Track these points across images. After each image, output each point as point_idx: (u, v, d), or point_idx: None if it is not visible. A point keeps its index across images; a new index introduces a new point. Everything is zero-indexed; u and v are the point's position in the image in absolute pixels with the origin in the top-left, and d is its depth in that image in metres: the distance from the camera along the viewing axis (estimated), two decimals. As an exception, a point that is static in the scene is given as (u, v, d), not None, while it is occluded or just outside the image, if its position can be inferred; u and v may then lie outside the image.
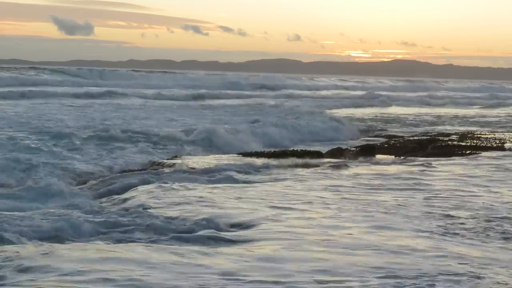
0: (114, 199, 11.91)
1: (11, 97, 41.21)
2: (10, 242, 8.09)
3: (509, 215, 10.15)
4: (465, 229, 9.27)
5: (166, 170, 15.30)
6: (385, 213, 10.21)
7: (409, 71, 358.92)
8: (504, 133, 27.05)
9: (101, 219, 9.58)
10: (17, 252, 7.28)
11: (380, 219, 9.71)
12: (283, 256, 7.51)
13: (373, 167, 16.02)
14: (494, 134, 26.35)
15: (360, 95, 66.58)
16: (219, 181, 13.58)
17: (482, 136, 25.45)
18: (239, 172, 14.72)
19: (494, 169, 15.41)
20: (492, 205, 10.96)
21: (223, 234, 8.77)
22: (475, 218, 9.92)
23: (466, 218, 9.91)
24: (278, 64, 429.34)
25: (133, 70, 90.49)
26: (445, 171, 15.06)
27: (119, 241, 8.46)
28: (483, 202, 11.17)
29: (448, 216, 10.04)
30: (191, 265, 7.14)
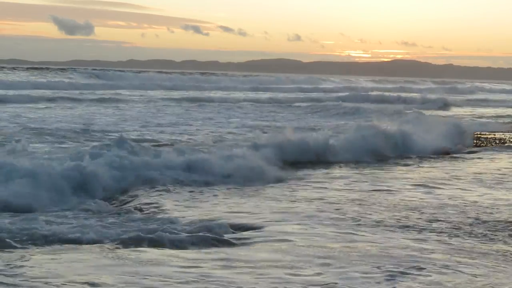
0: (120, 199, 11.87)
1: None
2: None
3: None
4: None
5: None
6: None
7: (409, 71, 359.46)
8: (505, 133, 27.02)
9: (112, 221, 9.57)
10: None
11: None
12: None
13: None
14: (495, 135, 26.32)
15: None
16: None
17: (482, 136, 25.44)
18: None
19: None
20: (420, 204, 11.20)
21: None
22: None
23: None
24: (278, 64, 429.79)
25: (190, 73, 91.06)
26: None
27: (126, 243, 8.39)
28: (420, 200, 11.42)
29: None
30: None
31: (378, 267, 7.27)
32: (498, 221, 10.03)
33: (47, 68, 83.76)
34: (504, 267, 7.55)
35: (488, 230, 9.40)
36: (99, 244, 8.19)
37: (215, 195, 11.91)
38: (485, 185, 13.49)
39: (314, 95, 59.94)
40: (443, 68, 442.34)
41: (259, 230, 9.13)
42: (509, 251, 8.28)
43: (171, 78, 78.08)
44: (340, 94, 61.05)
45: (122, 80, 67.78)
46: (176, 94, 52.73)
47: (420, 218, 10.03)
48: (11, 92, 42.74)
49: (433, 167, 16.32)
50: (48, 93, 45.14)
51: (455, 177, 14.49)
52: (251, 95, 56.36)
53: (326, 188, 12.83)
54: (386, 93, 65.72)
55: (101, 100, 40.21)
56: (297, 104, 44.43)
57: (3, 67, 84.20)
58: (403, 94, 64.89)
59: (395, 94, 64.04)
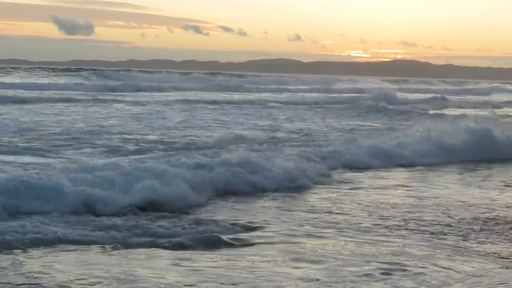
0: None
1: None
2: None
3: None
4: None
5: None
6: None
7: (409, 71, 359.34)
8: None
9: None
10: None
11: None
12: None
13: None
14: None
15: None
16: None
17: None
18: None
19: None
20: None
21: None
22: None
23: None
24: (278, 64, 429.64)
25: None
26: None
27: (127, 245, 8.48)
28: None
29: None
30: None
31: (370, 265, 7.56)
32: (487, 220, 10.36)
33: (59, 69, 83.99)
34: (493, 266, 7.81)
35: (479, 230, 9.71)
36: (99, 245, 8.33)
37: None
38: None
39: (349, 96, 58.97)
40: (443, 68, 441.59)
41: (260, 231, 9.36)
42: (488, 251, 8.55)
43: (181, 78, 78.22)
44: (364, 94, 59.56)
45: (141, 81, 67.37)
46: (190, 94, 52.80)
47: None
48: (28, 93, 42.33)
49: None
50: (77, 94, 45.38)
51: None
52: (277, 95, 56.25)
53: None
54: (421, 94, 63.98)
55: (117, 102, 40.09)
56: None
57: (4, 67, 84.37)
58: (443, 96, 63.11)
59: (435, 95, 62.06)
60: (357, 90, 72.56)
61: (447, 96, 58.72)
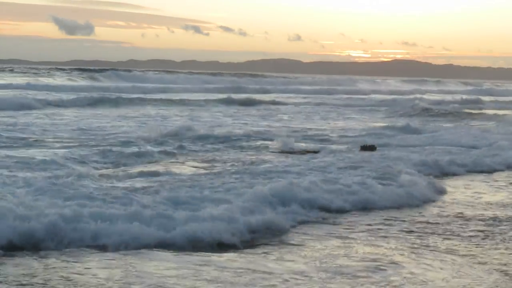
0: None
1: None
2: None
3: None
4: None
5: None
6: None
7: (409, 71, 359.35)
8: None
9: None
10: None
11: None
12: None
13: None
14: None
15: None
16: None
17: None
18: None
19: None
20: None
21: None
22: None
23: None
24: (278, 64, 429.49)
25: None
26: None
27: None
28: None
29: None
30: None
31: (362, 262, 7.79)
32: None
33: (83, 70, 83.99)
34: (474, 264, 8.01)
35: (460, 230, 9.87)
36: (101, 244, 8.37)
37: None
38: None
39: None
40: (443, 68, 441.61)
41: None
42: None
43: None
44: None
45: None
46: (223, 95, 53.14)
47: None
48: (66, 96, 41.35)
49: None
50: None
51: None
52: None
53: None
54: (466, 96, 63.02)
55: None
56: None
57: (5, 67, 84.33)
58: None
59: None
60: (387, 92, 72.90)
61: (481, 97, 59.03)
